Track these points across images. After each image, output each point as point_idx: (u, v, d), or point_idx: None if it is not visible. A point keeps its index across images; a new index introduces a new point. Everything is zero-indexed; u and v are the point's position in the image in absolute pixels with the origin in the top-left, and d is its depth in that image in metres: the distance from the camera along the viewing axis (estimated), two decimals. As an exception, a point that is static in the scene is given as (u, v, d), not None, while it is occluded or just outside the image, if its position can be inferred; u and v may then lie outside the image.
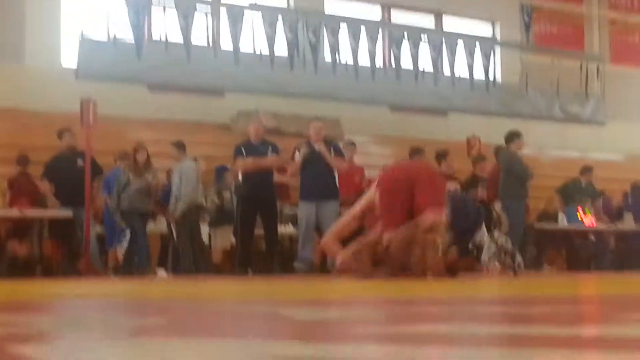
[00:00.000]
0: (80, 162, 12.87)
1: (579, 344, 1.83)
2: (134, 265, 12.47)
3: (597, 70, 19.35)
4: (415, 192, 8.71)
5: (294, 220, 13.66)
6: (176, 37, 15.29)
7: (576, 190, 16.69)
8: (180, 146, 12.93)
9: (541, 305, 3.66)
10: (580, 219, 16.36)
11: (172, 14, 15.26)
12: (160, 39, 15.28)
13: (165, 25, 15.34)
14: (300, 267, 12.47)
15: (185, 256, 12.67)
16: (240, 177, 12.86)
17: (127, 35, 15.01)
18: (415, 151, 14.82)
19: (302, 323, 2.47)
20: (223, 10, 16.09)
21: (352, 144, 14.92)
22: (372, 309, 3.60)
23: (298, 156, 12.73)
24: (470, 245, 8.66)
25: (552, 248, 16.38)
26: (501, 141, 14.84)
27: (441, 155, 14.83)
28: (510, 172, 13.71)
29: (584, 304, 3.95)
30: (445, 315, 2.90)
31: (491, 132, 17.97)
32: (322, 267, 12.97)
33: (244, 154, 12.60)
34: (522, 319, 2.66)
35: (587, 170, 17.08)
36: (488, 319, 2.73)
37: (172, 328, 2.34)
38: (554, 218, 16.13)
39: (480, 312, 3.20)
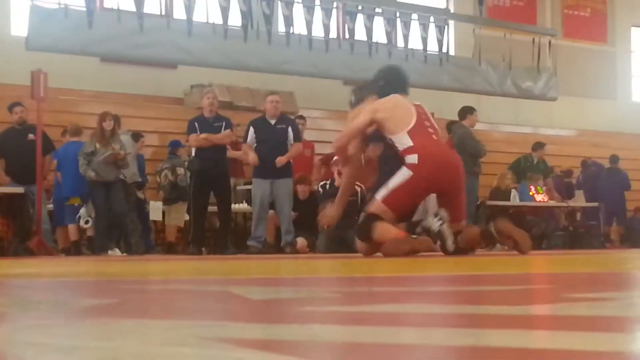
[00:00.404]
0: (31, 136, 12.62)
1: (528, 323, 1.83)
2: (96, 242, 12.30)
3: (549, 44, 19.47)
4: None
5: (248, 198, 13.56)
6: (129, 6, 15.11)
7: (528, 167, 16.80)
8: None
9: (490, 284, 3.67)
10: (533, 196, 16.47)
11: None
12: (112, 7, 15.11)
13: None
14: (254, 246, 12.42)
15: (130, 233, 12.55)
16: (193, 153, 12.74)
17: (78, 3, 14.78)
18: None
19: (255, 302, 2.44)
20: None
21: (302, 118, 14.88)
22: (327, 287, 3.58)
23: (250, 133, 12.64)
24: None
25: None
26: (454, 116, 14.90)
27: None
28: (463, 148, 13.75)
29: (533, 283, 3.97)
30: (400, 294, 2.89)
31: (444, 107, 18.04)
32: (277, 245, 12.95)
33: (198, 129, 12.48)
34: (471, 298, 2.66)
35: (539, 146, 17.17)
36: (439, 298, 2.73)
37: (123, 308, 2.30)
38: (507, 195, 16.22)
39: (434, 291, 3.20)
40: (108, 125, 12.43)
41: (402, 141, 7.96)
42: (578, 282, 3.81)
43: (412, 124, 8.06)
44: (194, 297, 2.94)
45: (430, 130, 8.20)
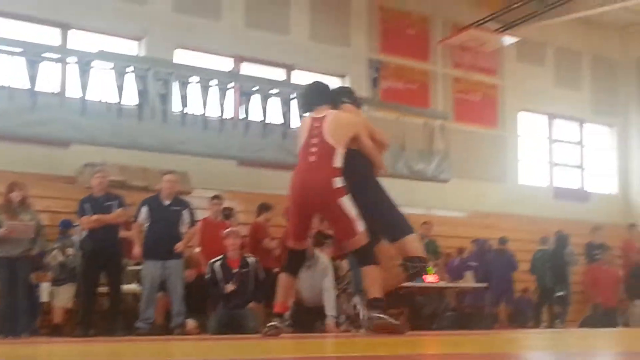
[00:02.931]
0: None
1: None
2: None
3: (442, 127, 19.89)
4: None
5: (139, 278, 13.40)
6: (21, 83, 15.00)
7: (419, 247, 17.00)
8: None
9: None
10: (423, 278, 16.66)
11: (19, 60, 14.99)
12: (4, 85, 14.96)
13: (10, 71, 15.02)
14: (142, 327, 12.28)
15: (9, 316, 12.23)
16: (84, 233, 12.57)
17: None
18: (264, 207, 14.90)
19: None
20: (71, 58, 15.87)
21: (218, 197, 14.77)
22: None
23: (143, 212, 12.57)
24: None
25: (395, 306, 16.54)
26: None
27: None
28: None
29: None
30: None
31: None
32: (166, 326, 12.82)
33: (88, 209, 12.37)
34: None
35: (426, 225, 17.41)
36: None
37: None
38: (398, 275, 16.33)
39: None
40: (17, 196, 12.14)
41: None
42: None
43: (301, 143, 8.45)
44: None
45: (313, 149, 8.34)
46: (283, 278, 8.75)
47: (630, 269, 19.45)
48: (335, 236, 8.34)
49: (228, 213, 15.39)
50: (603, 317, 18.67)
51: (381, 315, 8.28)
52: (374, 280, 8.38)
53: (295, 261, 8.78)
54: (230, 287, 12.71)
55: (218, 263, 13.00)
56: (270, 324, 8.56)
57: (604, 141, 26.51)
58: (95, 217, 12.22)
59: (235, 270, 12.98)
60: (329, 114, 8.49)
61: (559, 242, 18.72)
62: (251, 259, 13.25)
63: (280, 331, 8.50)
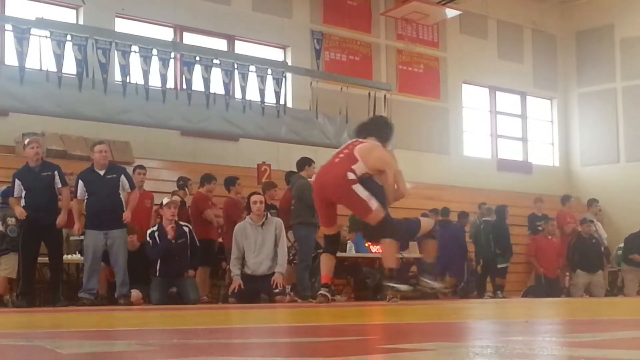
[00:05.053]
0: None
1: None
2: None
3: (385, 99, 19.86)
4: None
5: (81, 249, 13.21)
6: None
7: (354, 219, 16.99)
8: None
9: (313, 335, 3.65)
10: (368, 247, 16.67)
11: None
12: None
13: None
14: (86, 298, 12.13)
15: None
16: (23, 202, 12.34)
17: None
18: (206, 179, 14.79)
19: (64, 357, 2.33)
20: (8, 26, 15.55)
21: (142, 168, 14.73)
22: (148, 339, 3.47)
23: (80, 187, 12.41)
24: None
25: (341, 277, 16.55)
26: (293, 167, 14.99)
27: (230, 182, 14.85)
28: (302, 200, 13.82)
29: (361, 334, 3.96)
30: (218, 347, 2.82)
31: (282, 158, 18.15)
32: (109, 297, 12.68)
33: (23, 179, 12.19)
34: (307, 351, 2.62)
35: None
36: (258, 350, 2.67)
37: None
38: (343, 246, 16.34)
39: (254, 343, 3.14)
40: None
41: None
42: (403, 333, 3.82)
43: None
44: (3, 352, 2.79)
45: (340, 155, 9.88)
46: (324, 257, 10.47)
47: (568, 240, 19.65)
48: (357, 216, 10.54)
49: (183, 183, 15.31)
50: (546, 287, 18.85)
51: (394, 285, 9.78)
52: (390, 252, 9.83)
53: (331, 243, 10.49)
54: (162, 255, 12.77)
55: (155, 233, 13.00)
56: (320, 292, 10.32)
57: (545, 113, 26.74)
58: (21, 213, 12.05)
59: (172, 240, 12.98)
60: (370, 141, 9.99)
61: (499, 214, 18.82)
62: (186, 228, 13.28)
63: (328, 298, 10.20)
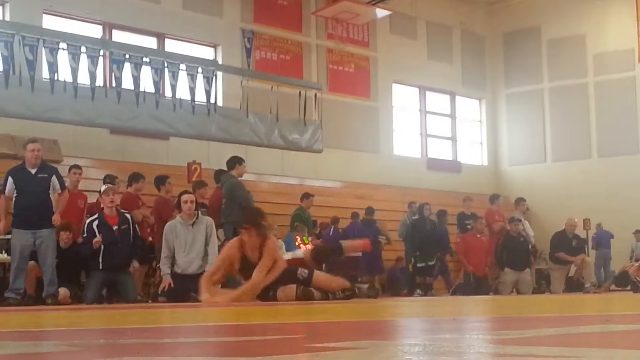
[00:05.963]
0: None
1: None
2: None
3: (315, 98, 19.91)
4: None
5: (8, 248, 12.98)
6: None
7: (298, 218, 17.05)
8: None
9: (237, 335, 3.65)
10: (299, 246, 16.64)
11: None
12: None
13: None
14: (12, 297, 11.94)
15: None
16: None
17: None
18: (134, 178, 14.62)
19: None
20: None
21: (78, 167, 14.47)
22: (73, 339, 3.44)
23: (9, 184, 12.21)
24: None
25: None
26: (223, 166, 14.93)
27: (160, 181, 14.71)
28: (232, 198, 13.77)
29: (287, 333, 3.97)
30: (146, 347, 2.82)
31: (212, 157, 18.08)
32: (37, 297, 12.49)
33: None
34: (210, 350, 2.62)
35: (306, 197, 17.50)
36: (185, 350, 2.67)
37: None
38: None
39: (182, 342, 3.14)
40: None
41: None
42: (329, 332, 3.84)
43: None
44: None
45: None
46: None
47: (496, 238, 19.85)
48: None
49: (110, 180, 15.13)
50: (475, 284, 19.04)
51: None
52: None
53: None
54: (98, 240, 12.54)
55: (95, 222, 12.77)
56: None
57: (474, 113, 27.05)
58: None
59: (114, 227, 12.80)
60: None
61: (440, 219, 19.08)
62: (128, 215, 13.12)
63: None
